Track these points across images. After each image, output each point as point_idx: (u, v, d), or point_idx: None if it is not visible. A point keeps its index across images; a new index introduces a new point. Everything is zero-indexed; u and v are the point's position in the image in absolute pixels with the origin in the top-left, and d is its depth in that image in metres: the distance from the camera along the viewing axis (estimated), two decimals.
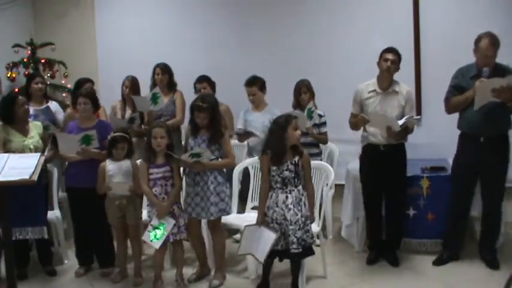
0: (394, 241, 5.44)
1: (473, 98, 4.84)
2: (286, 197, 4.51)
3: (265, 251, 4.45)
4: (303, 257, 4.61)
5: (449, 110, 5.16)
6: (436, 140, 5.43)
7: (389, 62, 5.11)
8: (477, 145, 5.02)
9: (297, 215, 4.48)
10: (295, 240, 4.43)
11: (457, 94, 5.06)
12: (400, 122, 4.99)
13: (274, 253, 4.57)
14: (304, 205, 4.56)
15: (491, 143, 5.00)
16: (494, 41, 4.87)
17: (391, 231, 5.43)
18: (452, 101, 5.08)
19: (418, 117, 5.03)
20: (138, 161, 5.12)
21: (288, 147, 4.53)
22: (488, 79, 4.78)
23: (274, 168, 4.55)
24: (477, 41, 4.94)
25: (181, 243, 5.06)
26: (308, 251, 4.59)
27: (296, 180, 4.55)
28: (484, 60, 4.90)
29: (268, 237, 4.46)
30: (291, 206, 4.49)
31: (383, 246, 5.48)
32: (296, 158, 4.54)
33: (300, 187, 4.57)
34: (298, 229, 4.46)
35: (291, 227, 4.44)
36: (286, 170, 4.52)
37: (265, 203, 4.59)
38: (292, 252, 4.47)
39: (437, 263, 5.29)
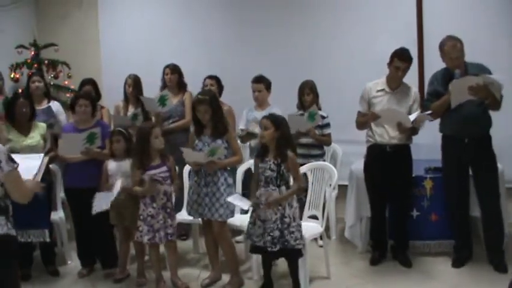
0: (402, 242, 5.43)
1: (450, 100, 4.92)
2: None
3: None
4: (289, 258, 4.62)
5: (432, 116, 5.18)
6: (439, 140, 5.41)
7: (400, 72, 5.15)
8: (462, 146, 5.08)
9: (276, 214, 4.48)
10: (269, 238, 4.46)
11: (435, 100, 5.12)
12: (412, 117, 5.00)
13: (258, 249, 4.63)
14: (290, 206, 4.54)
15: (475, 143, 5.05)
16: (455, 43, 4.99)
17: (398, 233, 5.44)
18: (432, 107, 5.11)
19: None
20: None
21: (268, 145, 4.58)
22: (462, 77, 4.86)
23: (260, 165, 4.60)
24: (440, 47, 5.06)
25: (174, 244, 5.04)
26: (294, 252, 4.57)
27: (279, 180, 4.55)
28: (451, 62, 5.00)
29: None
30: None
31: (392, 248, 5.49)
32: (279, 159, 4.55)
33: (283, 188, 4.56)
34: (276, 228, 4.46)
35: (268, 225, 4.47)
36: (269, 169, 4.55)
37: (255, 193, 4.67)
38: (268, 250, 4.50)
39: (456, 264, 5.25)
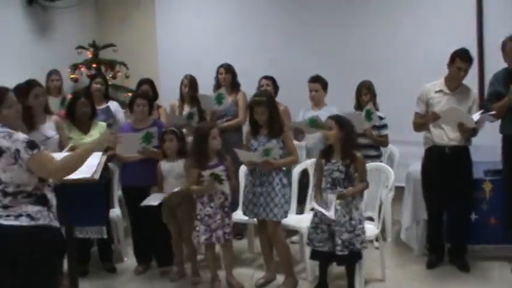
0: (460, 246, 5.33)
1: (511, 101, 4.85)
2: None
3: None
4: (350, 260, 4.55)
5: (494, 117, 5.07)
6: (499, 141, 5.31)
7: (462, 72, 5.08)
8: None
9: (345, 216, 4.43)
10: (340, 242, 4.40)
11: (495, 101, 5.03)
12: (475, 118, 4.91)
13: (321, 254, 4.58)
14: (356, 209, 4.50)
15: None
16: None
17: (456, 236, 5.34)
18: (494, 108, 5.00)
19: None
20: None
21: (333, 145, 4.55)
22: None
23: (326, 167, 4.55)
24: (503, 47, 4.99)
25: (230, 244, 5.04)
26: (356, 255, 4.53)
27: (346, 181, 4.51)
28: None
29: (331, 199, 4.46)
30: (339, 207, 4.44)
31: (449, 252, 5.40)
32: (348, 160, 4.50)
33: (350, 189, 4.51)
34: (345, 231, 4.41)
35: (336, 229, 4.41)
36: (337, 170, 4.50)
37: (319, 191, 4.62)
38: (337, 254, 4.44)
39: None
